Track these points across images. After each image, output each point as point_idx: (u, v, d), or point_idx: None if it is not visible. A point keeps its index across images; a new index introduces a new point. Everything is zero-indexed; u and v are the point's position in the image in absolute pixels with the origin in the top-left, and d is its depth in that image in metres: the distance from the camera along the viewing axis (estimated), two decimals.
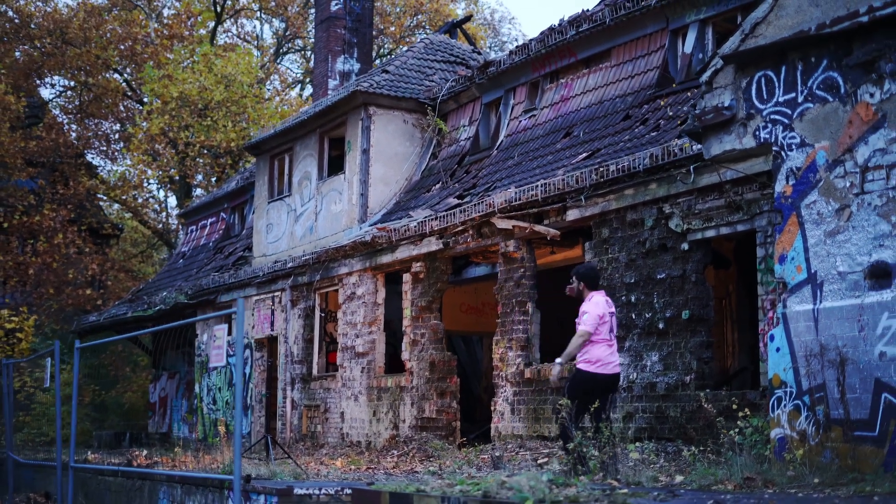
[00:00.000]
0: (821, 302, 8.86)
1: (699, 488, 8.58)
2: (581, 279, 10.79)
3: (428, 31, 44.32)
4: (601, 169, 14.01)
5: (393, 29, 46.23)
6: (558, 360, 10.66)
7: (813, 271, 8.95)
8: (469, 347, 23.03)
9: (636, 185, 13.50)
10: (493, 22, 53.59)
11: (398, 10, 45.75)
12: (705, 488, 8.54)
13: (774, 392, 9.19)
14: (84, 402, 34.37)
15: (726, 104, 9.65)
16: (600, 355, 10.40)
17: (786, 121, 9.23)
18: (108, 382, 37.49)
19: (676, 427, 12.63)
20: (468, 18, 32.01)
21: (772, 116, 9.33)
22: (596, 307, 10.47)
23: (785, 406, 9.04)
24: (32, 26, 40.48)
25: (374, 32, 43.80)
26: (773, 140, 9.31)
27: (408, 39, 45.99)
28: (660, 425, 12.93)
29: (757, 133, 9.45)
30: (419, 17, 45.56)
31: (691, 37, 16.07)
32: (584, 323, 10.45)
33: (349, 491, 9.99)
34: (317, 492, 9.95)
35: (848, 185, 8.74)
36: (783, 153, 9.25)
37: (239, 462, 7.58)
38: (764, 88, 9.45)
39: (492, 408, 15.95)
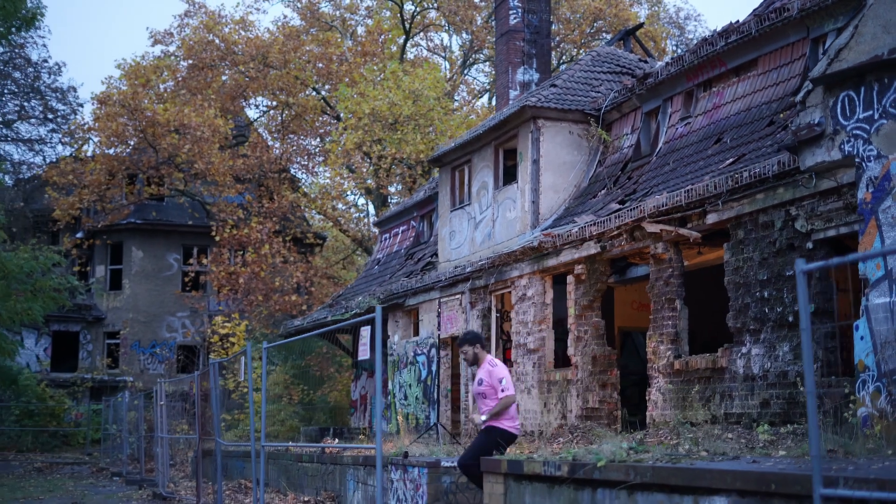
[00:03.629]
0: None
1: (787, 457, 9.84)
2: (475, 342, 11.81)
3: (608, 36, 45.50)
4: (736, 175, 15.22)
5: (575, 34, 47.53)
6: (483, 417, 11.59)
7: (889, 268, 10.11)
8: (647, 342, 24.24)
9: (766, 190, 14.66)
10: (678, 20, 54.17)
11: (578, 16, 47.02)
12: (795, 458, 9.80)
13: (860, 376, 10.39)
14: (294, 401, 37.04)
15: (816, 121, 10.87)
16: (515, 414, 11.70)
17: (865, 135, 10.41)
18: (315, 382, 39.96)
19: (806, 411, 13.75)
20: (640, 26, 33.10)
21: (854, 131, 10.53)
22: (506, 370, 11.68)
23: (868, 387, 10.23)
24: (238, 52, 43.54)
25: (555, 40, 45.32)
26: (855, 153, 10.50)
27: (591, 44, 47.26)
28: (792, 410, 14.08)
29: (842, 146, 10.65)
30: (599, 22, 46.73)
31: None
32: (508, 388, 11.52)
33: None
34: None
35: None
36: (864, 164, 10.44)
37: (380, 440, 9.29)
38: (847, 107, 10.65)
39: (647, 397, 17.32)
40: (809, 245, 13.89)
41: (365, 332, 10.81)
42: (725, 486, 7.17)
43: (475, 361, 11.84)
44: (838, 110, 10.67)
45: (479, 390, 11.72)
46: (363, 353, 10.81)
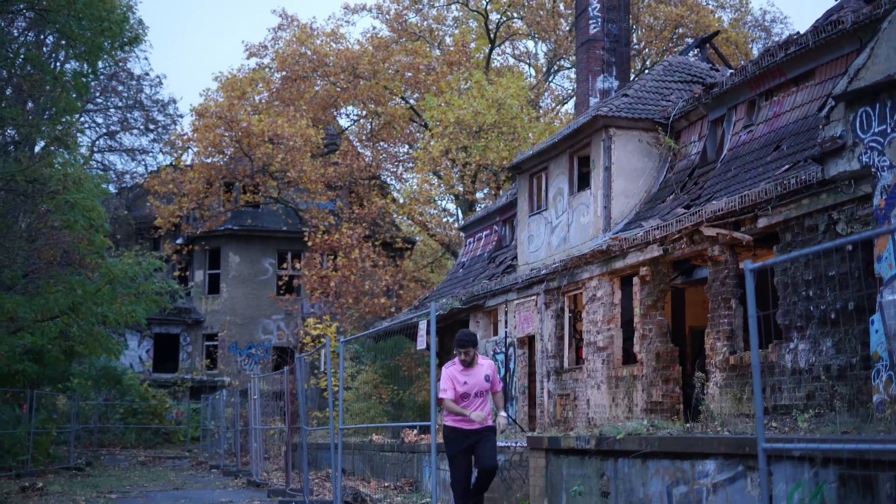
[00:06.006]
0: None
1: (793, 433, 10.90)
2: (476, 344, 11.67)
3: (690, 42, 46.23)
4: (784, 182, 16.23)
5: (657, 41, 48.31)
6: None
7: None
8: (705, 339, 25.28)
9: (810, 196, 15.64)
10: (763, 23, 54.54)
11: (661, 23, 47.78)
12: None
13: (875, 365, 11.41)
14: (383, 400, 38.43)
15: (838, 134, 11.91)
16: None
17: (879, 147, 11.44)
18: (405, 382, 41.26)
19: (847, 401, 14.74)
20: (716, 34, 33.95)
21: (870, 144, 11.56)
22: None
23: (882, 376, 11.25)
24: (329, 64, 45.16)
25: (638, 46, 46.16)
26: (871, 163, 11.53)
27: (674, 50, 48.02)
28: (834, 401, 15.04)
29: (861, 158, 11.68)
30: (680, 30, 47.47)
31: None
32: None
33: None
34: (514, 444, 12.95)
35: None
36: (878, 174, 11.46)
37: (434, 428, 10.60)
38: (864, 121, 11.68)
39: (704, 390, 18.36)
40: (849, 248, 14.85)
41: (423, 325, 12.11)
42: (713, 450, 8.36)
43: (472, 362, 11.58)
44: (857, 125, 11.70)
45: (485, 387, 11.50)
46: (420, 344, 12.09)
